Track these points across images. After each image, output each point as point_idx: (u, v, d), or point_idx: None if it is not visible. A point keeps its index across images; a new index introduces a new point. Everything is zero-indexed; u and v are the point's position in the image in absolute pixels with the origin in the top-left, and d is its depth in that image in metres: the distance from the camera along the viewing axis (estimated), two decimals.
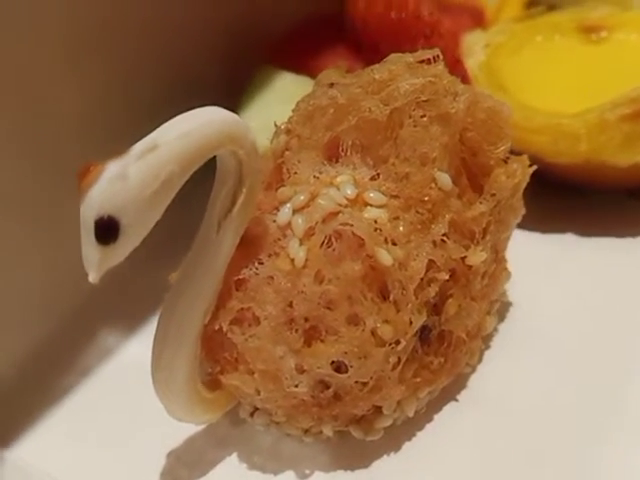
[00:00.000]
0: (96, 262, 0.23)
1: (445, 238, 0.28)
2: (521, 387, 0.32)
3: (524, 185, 0.31)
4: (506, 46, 0.44)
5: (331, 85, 0.30)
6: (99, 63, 0.37)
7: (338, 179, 0.29)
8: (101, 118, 0.38)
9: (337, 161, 0.29)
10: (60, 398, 0.35)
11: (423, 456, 0.30)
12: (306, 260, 0.27)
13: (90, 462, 0.32)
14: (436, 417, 0.32)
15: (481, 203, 0.30)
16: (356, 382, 0.27)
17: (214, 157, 0.25)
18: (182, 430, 0.32)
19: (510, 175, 0.30)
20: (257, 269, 0.28)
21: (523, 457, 0.30)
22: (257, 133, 0.26)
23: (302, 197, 0.28)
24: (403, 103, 0.28)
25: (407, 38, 0.38)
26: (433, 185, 0.28)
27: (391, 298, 0.27)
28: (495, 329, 0.34)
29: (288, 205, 0.28)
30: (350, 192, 0.28)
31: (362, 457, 0.31)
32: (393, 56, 0.30)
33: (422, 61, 0.30)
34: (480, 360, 0.33)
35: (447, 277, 0.28)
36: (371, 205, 0.28)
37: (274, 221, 0.28)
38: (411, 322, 0.27)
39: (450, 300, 0.29)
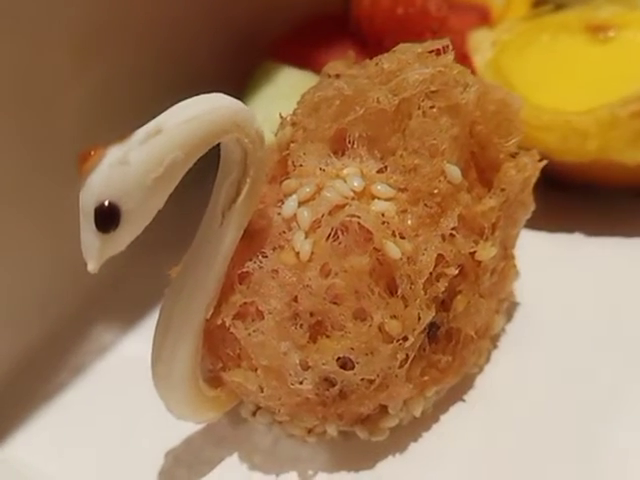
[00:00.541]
0: (96, 251, 0.22)
1: (454, 232, 0.28)
2: (528, 388, 0.32)
3: (534, 180, 0.31)
4: (513, 44, 0.43)
5: (337, 76, 0.30)
6: (101, 58, 0.36)
7: (345, 171, 0.28)
8: (102, 113, 0.37)
9: (343, 153, 0.29)
10: (56, 396, 0.34)
11: (429, 457, 0.30)
12: (312, 253, 0.26)
13: (86, 461, 0.31)
14: (443, 417, 0.31)
15: (491, 198, 0.29)
16: (362, 379, 0.27)
17: (216, 148, 0.25)
18: (181, 429, 0.31)
19: (520, 169, 0.30)
20: (261, 262, 0.27)
21: (530, 458, 0.29)
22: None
23: (308, 189, 0.27)
24: (412, 93, 0.28)
25: (413, 34, 0.38)
26: (442, 178, 0.27)
27: (399, 293, 0.26)
28: (503, 329, 0.33)
29: (293, 197, 0.27)
30: (357, 184, 0.27)
31: (366, 458, 0.30)
32: (402, 46, 0.29)
33: (431, 52, 0.29)
34: (487, 360, 0.33)
35: (456, 272, 0.27)
36: (378, 198, 0.27)
37: (279, 214, 0.28)
38: (419, 318, 0.26)
39: (459, 296, 0.28)
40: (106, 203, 0.22)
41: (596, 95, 0.39)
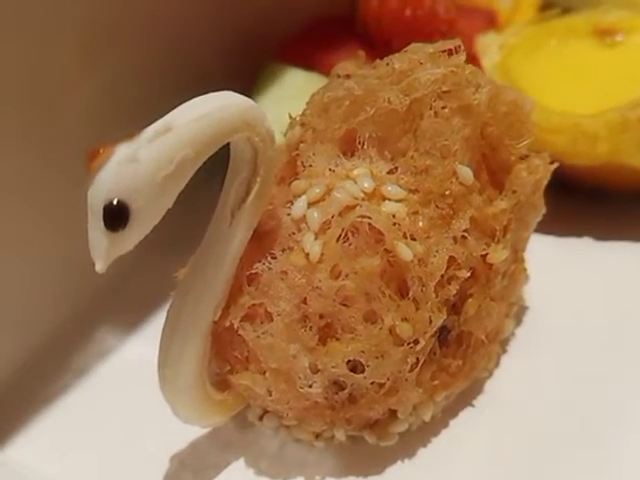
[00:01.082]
0: (104, 250, 0.22)
1: (466, 234, 0.27)
2: (538, 392, 0.31)
3: (545, 182, 0.30)
4: (520, 48, 0.43)
5: (347, 76, 0.30)
6: (109, 57, 0.36)
7: (355, 172, 0.28)
8: (110, 112, 0.37)
9: (353, 154, 0.28)
10: (59, 398, 0.33)
11: (438, 463, 0.29)
12: (321, 254, 0.26)
13: (89, 465, 0.31)
14: (452, 422, 0.31)
15: (502, 200, 0.29)
16: (372, 383, 0.26)
17: (225, 147, 0.24)
18: (186, 433, 0.30)
19: (532, 171, 0.29)
20: (270, 264, 0.26)
21: (540, 463, 0.29)
22: None
23: (318, 190, 0.27)
24: (423, 94, 0.27)
25: (422, 36, 0.37)
26: (454, 179, 0.27)
27: (410, 295, 0.26)
28: (512, 333, 0.33)
29: (303, 198, 0.27)
30: (367, 185, 0.27)
31: (375, 463, 0.29)
32: (413, 46, 0.29)
33: (443, 52, 0.29)
34: (497, 365, 0.32)
35: (468, 275, 0.27)
36: (389, 199, 0.27)
37: (288, 215, 0.27)
38: (431, 321, 0.26)
39: (470, 300, 0.28)
40: (115, 201, 0.21)
41: (605, 99, 0.38)
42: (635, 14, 0.44)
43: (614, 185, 0.38)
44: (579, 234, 0.38)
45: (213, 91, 0.24)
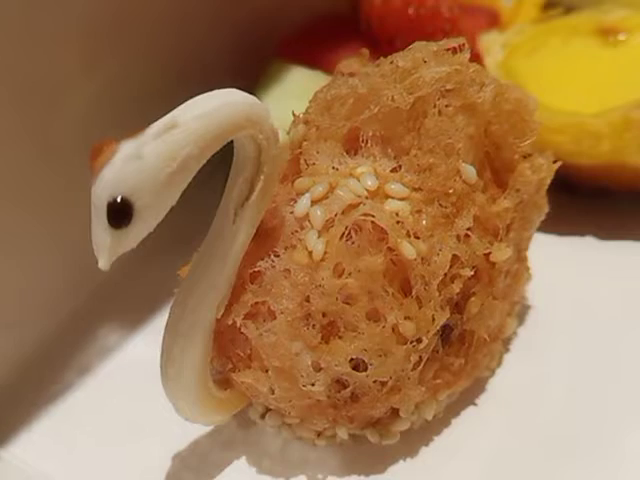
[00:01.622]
0: (107, 247, 0.22)
1: (469, 233, 0.27)
2: (540, 391, 0.31)
3: (549, 181, 0.30)
4: (523, 47, 0.43)
5: (351, 74, 0.29)
6: (111, 56, 0.36)
7: (358, 170, 0.27)
8: (112, 110, 0.37)
9: (356, 152, 0.28)
10: (61, 397, 0.33)
11: (440, 461, 0.29)
12: (325, 252, 0.26)
13: (91, 464, 0.31)
14: (454, 421, 0.31)
15: (505, 198, 0.29)
16: (375, 382, 0.26)
17: (228, 145, 0.24)
18: (188, 431, 0.30)
19: (535, 170, 0.29)
20: (273, 262, 0.26)
21: (542, 462, 0.29)
22: None
23: (321, 188, 0.27)
24: (427, 92, 0.27)
25: (425, 34, 0.37)
26: (458, 177, 0.27)
27: (413, 294, 0.26)
28: (515, 332, 0.33)
29: (306, 196, 0.27)
30: (371, 183, 0.27)
31: (377, 462, 0.29)
32: (417, 44, 0.29)
33: (447, 50, 0.29)
34: (499, 364, 0.32)
35: (471, 273, 0.27)
36: (392, 197, 0.27)
37: (291, 212, 0.27)
38: (434, 319, 0.26)
39: (473, 298, 0.28)
40: (119, 198, 0.21)
41: (607, 98, 0.38)
42: (638, 13, 0.44)
43: (617, 184, 0.38)
44: (582, 233, 0.38)
45: (216, 89, 0.24)
